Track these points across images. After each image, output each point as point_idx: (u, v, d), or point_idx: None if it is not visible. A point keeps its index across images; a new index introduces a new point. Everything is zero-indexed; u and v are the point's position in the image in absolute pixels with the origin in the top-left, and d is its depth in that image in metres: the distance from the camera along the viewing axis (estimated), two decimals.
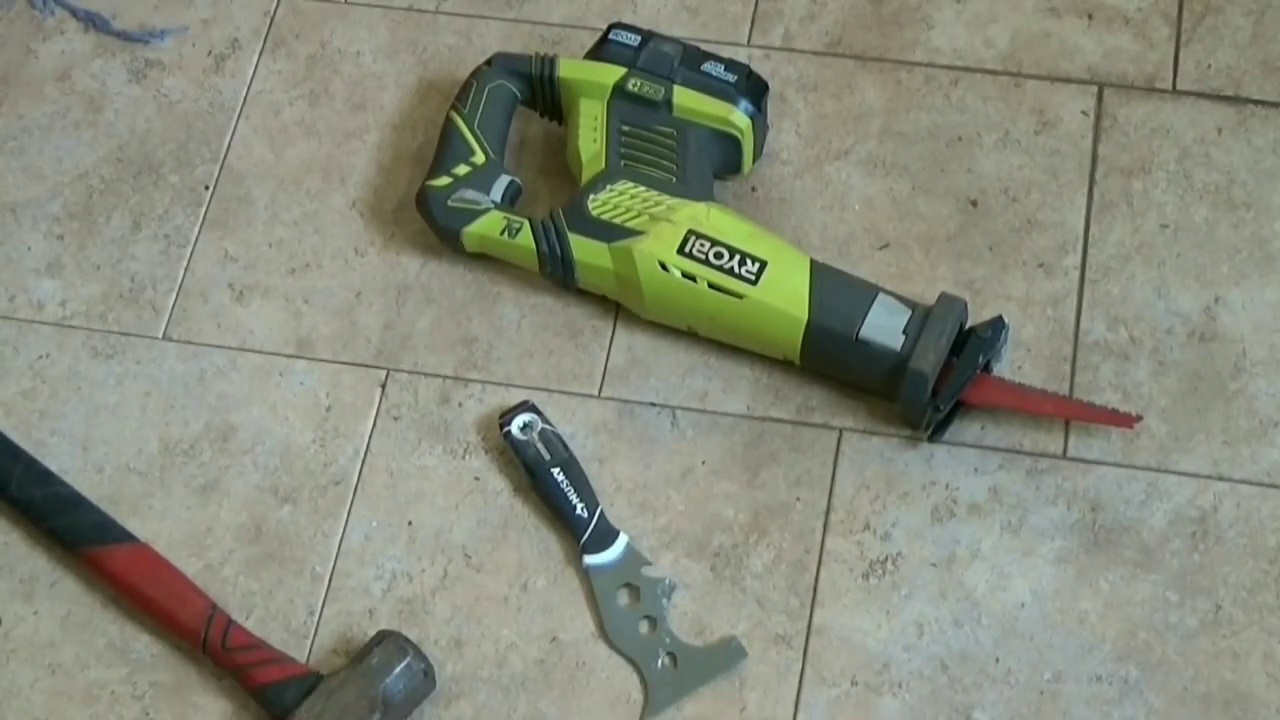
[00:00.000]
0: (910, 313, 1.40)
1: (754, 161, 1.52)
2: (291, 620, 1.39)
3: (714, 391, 1.45)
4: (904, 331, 1.38)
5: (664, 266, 1.42)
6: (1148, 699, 1.31)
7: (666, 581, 1.38)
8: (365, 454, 1.45)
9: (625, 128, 1.48)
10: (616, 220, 1.45)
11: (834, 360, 1.42)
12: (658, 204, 1.45)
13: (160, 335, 1.51)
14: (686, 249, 1.42)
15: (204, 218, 1.56)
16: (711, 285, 1.42)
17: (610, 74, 1.50)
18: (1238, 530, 1.36)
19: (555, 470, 1.41)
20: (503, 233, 1.47)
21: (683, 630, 1.37)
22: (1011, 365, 1.44)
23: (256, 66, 1.62)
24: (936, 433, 1.40)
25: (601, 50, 1.51)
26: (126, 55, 1.64)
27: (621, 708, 1.34)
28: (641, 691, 1.35)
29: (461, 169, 1.49)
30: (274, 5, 1.65)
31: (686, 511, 1.41)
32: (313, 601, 1.39)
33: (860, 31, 1.59)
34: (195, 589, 1.38)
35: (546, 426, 1.43)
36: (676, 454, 1.43)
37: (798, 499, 1.40)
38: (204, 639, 1.35)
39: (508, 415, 1.43)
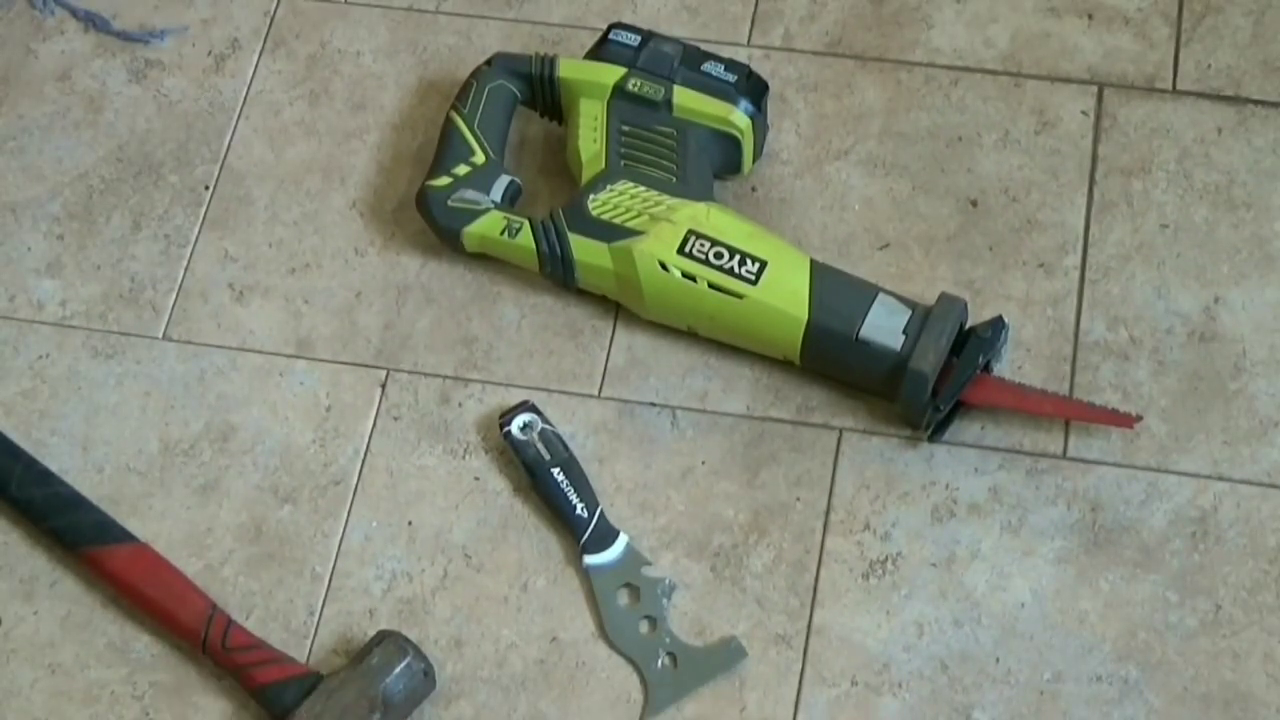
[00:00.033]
0: (910, 313, 1.40)
1: (754, 161, 1.52)
2: (291, 620, 1.39)
3: (714, 391, 1.45)
4: (904, 331, 1.38)
5: (664, 266, 1.42)
6: (1148, 699, 1.31)
7: (666, 581, 1.38)
8: (365, 454, 1.45)
9: (625, 128, 1.48)
10: (616, 220, 1.45)
11: (834, 360, 1.42)
12: (658, 204, 1.45)
13: (160, 335, 1.51)
14: (686, 249, 1.42)
15: (204, 218, 1.56)
16: (711, 285, 1.42)
17: (610, 74, 1.50)
18: (1238, 530, 1.36)
19: (555, 470, 1.41)
20: (503, 233, 1.47)
21: (683, 630, 1.37)
22: (1011, 365, 1.44)
23: (256, 66, 1.62)
24: (936, 433, 1.40)
25: (601, 50, 1.51)
26: (126, 55, 1.64)
27: (621, 708, 1.34)
28: (641, 691, 1.35)
29: (461, 169, 1.49)
30: (274, 5, 1.65)
31: (686, 511, 1.41)
32: (313, 601, 1.40)
33: (860, 31, 1.59)
34: (195, 589, 1.38)
35: (546, 426, 1.43)
36: (676, 454, 1.43)
37: (798, 499, 1.40)
38: (204, 639, 1.35)
39: (508, 415, 1.43)
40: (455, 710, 1.35)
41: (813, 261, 1.43)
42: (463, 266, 1.51)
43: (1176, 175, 1.50)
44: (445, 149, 1.50)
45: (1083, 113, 1.53)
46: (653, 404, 1.45)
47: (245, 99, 1.61)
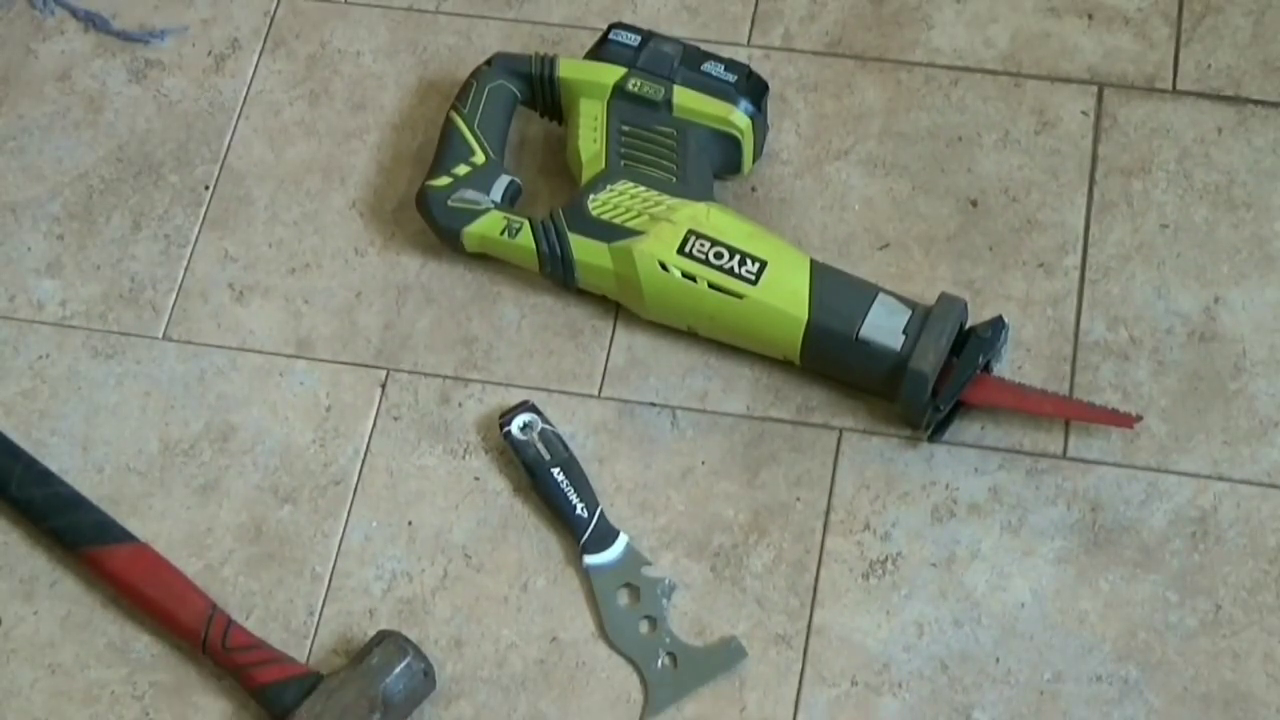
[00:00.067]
0: (910, 313, 1.40)
1: (754, 161, 1.52)
2: (291, 620, 1.39)
3: (714, 391, 1.45)
4: (904, 331, 1.38)
5: (664, 266, 1.42)
6: (1148, 699, 1.31)
7: (666, 581, 1.38)
8: (365, 454, 1.45)
9: (625, 128, 1.48)
10: (616, 220, 1.45)
11: (834, 360, 1.42)
12: (658, 204, 1.45)
13: (160, 335, 1.51)
14: (686, 249, 1.42)
15: (204, 218, 1.56)
16: (711, 285, 1.42)
17: (610, 74, 1.50)
18: (1238, 530, 1.36)
19: (555, 470, 1.41)
20: (503, 233, 1.47)
21: (683, 630, 1.37)
22: (1011, 365, 1.44)
23: (256, 66, 1.62)
24: (936, 433, 1.40)
25: (601, 50, 1.51)
26: (126, 55, 1.64)
27: (621, 708, 1.34)
28: (641, 691, 1.35)
29: (461, 169, 1.49)
30: (274, 5, 1.65)
31: (686, 511, 1.41)
32: (313, 601, 1.39)
33: (860, 31, 1.59)
34: (195, 589, 1.38)
35: (546, 426, 1.43)
36: (676, 454, 1.43)
37: (798, 499, 1.40)
38: (204, 639, 1.35)
39: (508, 415, 1.43)
40: (455, 710, 1.35)
41: (813, 261, 1.43)
42: (463, 266, 1.51)
43: (1176, 175, 1.50)
44: (445, 149, 1.50)
45: (1083, 113, 1.53)
46: (653, 404, 1.45)
47: (245, 99, 1.61)
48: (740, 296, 1.41)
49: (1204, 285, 1.46)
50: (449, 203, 1.48)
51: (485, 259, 1.50)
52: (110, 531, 1.41)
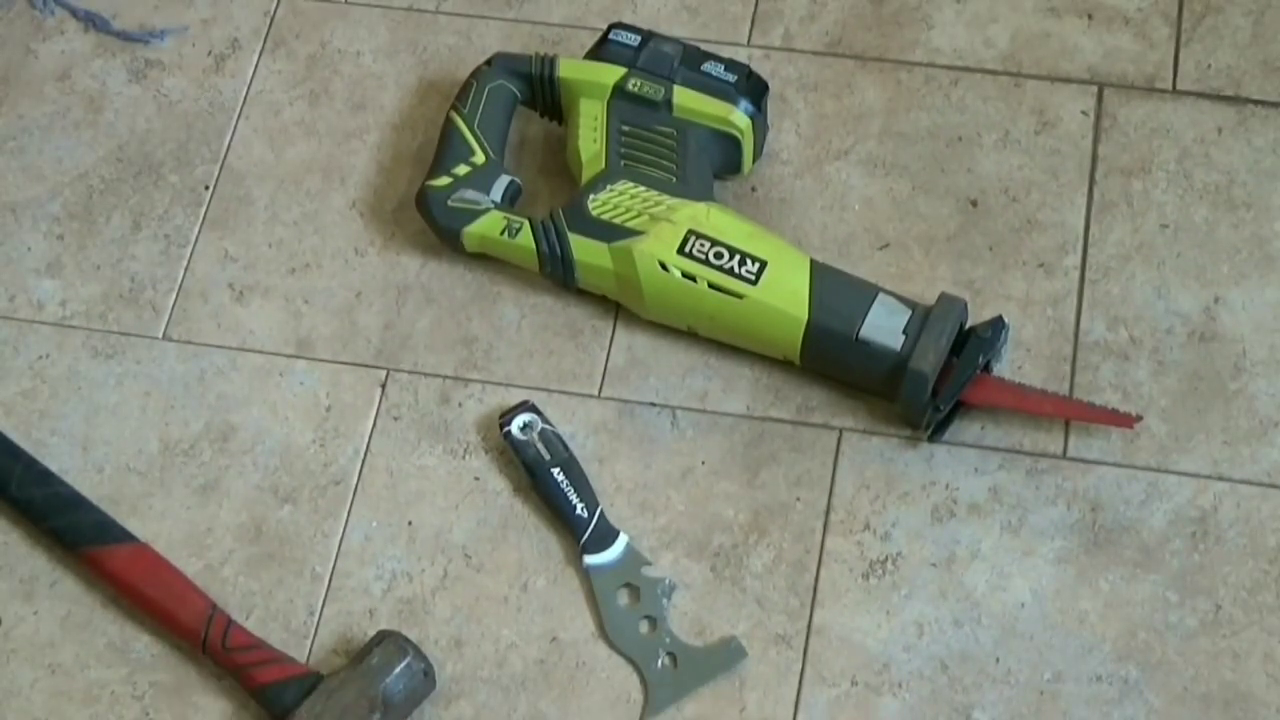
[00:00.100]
0: (910, 313, 1.39)
1: (754, 161, 1.52)
2: (291, 620, 1.39)
3: (714, 391, 1.45)
4: (904, 331, 1.38)
5: (664, 266, 1.42)
6: (1148, 699, 1.31)
7: (666, 581, 1.38)
8: (365, 454, 1.45)
9: (625, 128, 1.48)
10: (616, 220, 1.45)
11: (834, 360, 1.42)
12: (658, 204, 1.45)
13: (160, 335, 1.51)
14: (686, 249, 1.42)
15: (204, 218, 1.56)
16: (711, 285, 1.42)
17: (610, 74, 1.50)
18: (1238, 530, 1.36)
19: (555, 470, 1.41)
20: (503, 233, 1.47)
21: (683, 630, 1.37)
22: (1011, 365, 1.44)
23: (256, 66, 1.62)
24: (936, 433, 1.40)
25: (601, 50, 1.51)
26: (126, 55, 1.64)
27: (621, 708, 1.34)
28: (641, 691, 1.35)
29: (461, 169, 1.49)
30: (274, 5, 1.65)
31: (686, 511, 1.41)
32: (313, 601, 1.39)
33: (860, 31, 1.59)
34: (195, 589, 1.38)
35: (546, 426, 1.43)
36: (676, 454, 1.43)
37: (798, 499, 1.40)
38: (204, 639, 1.35)
39: (508, 415, 1.43)
40: (455, 710, 1.35)
41: (813, 261, 1.43)
42: (463, 266, 1.51)
43: (1176, 175, 1.50)
44: (445, 149, 1.50)
45: (1083, 113, 1.53)
46: (653, 404, 1.45)
47: (245, 99, 1.61)
48: (740, 296, 1.41)
49: (1204, 285, 1.46)
50: (449, 203, 1.48)
51: (485, 259, 1.50)
52: (110, 531, 1.41)
